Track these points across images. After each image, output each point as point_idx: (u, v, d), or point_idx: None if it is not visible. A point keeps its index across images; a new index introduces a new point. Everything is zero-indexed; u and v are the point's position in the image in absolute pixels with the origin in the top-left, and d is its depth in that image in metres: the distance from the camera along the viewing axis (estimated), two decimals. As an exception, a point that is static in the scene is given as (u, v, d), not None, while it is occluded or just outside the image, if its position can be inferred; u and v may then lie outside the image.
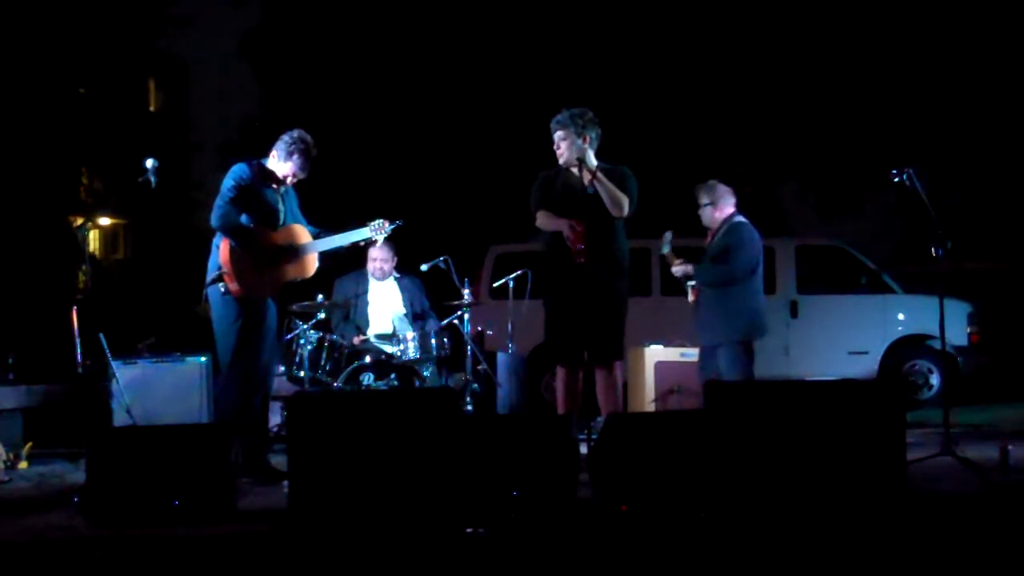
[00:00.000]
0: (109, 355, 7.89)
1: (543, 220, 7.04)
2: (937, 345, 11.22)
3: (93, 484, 5.67)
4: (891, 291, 12.36)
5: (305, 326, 8.42)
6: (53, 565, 4.87)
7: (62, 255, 19.06)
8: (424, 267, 9.30)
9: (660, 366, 8.86)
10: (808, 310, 12.46)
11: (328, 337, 8.24)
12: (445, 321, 9.32)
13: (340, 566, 4.76)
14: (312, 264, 7.28)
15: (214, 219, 6.95)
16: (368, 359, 8.39)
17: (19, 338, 13.17)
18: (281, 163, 7.13)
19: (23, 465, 8.03)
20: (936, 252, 6.97)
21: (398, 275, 9.25)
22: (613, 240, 7.01)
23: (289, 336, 8.35)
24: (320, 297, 8.50)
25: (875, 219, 21.06)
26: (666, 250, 8.12)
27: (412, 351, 8.48)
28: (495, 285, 10.56)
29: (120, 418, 7.95)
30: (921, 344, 12.20)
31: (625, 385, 8.22)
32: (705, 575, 4.50)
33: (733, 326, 7.71)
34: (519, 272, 9.75)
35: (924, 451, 6.66)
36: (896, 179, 6.99)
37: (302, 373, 8.09)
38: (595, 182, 6.90)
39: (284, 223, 7.25)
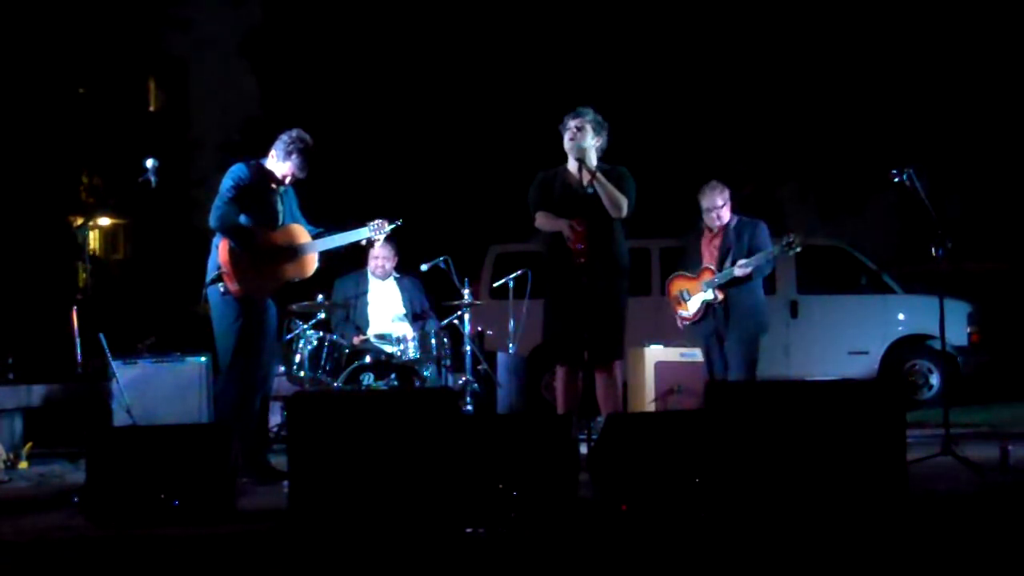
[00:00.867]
0: (109, 355, 7.90)
1: (542, 220, 7.05)
2: (937, 345, 11.23)
3: (93, 484, 5.66)
4: (891, 291, 12.37)
5: (305, 326, 8.43)
6: (53, 565, 4.87)
7: (62, 255, 19.07)
8: (424, 267, 9.31)
9: (660, 366, 8.87)
10: (808, 310, 12.47)
11: (328, 337, 8.24)
12: (445, 321, 9.32)
13: (340, 566, 4.75)
14: (311, 264, 7.28)
15: (213, 219, 6.95)
16: (368, 359, 8.38)
17: (19, 338, 13.18)
18: (280, 163, 7.13)
19: (23, 465, 8.04)
20: (936, 252, 6.98)
21: (398, 275, 9.25)
22: (612, 240, 7.02)
23: (289, 336, 8.36)
24: (320, 297, 8.51)
25: (875, 219, 21.06)
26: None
27: (412, 351, 8.48)
28: (495, 285, 10.57)
29: (120, 418, 7.96)
30: (921, 344, 12.20)
31: (625, 385, 8.22)
32: (705, 575, 4.50)
33: (758, 320, 7.97)
34: (519, 272, 9.76)
35: (924, 451, 6.66)
36: (896, 179, 7.00)
37: (302, 373, 8.09)
38: (594, 182, 6.91)
39: (283, 223, 7.25)
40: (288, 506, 5.51)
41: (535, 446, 5.54)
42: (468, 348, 9.32)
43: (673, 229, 14.02)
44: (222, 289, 6.97)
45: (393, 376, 8.30)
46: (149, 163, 6.82)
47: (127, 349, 8.72)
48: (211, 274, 7.03)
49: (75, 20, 20.78)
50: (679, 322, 8.17)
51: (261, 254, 7.06)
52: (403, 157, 21.12)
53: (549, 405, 10.52)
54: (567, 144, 7.04)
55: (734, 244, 7.94)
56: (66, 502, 6.00)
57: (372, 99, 21.62)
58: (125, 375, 8.14)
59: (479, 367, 9.60)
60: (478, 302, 9.58)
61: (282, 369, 8.24)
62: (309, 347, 8.14)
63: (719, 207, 7.98)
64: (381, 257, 9.10)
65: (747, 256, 7.86)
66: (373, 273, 9.16)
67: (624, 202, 6.97)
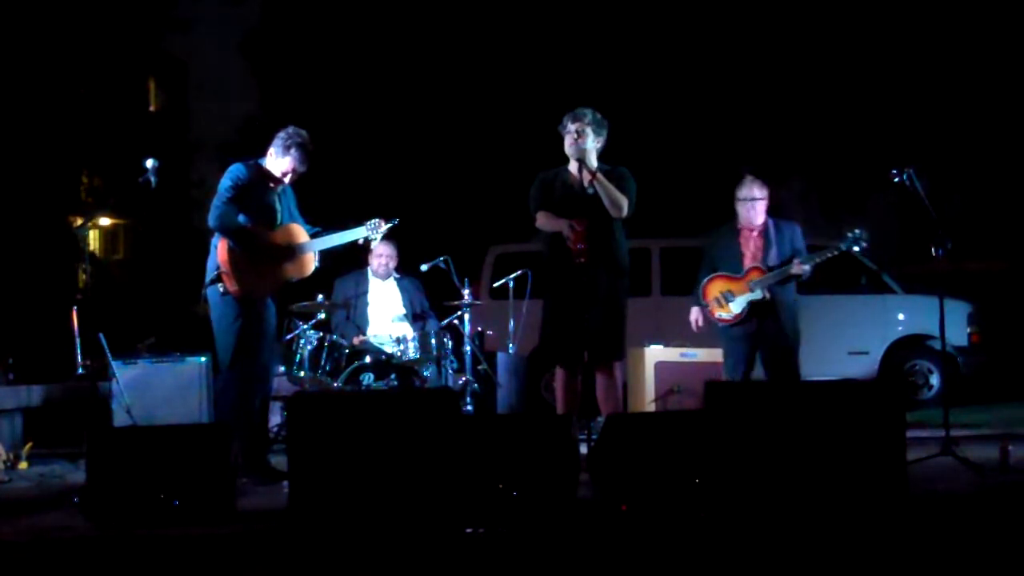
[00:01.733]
0: (109, 355, 7.91)
1: (543, 220, 7.05)
2: (937, 345, 11.22)
3: (93, 484, 5.66)
4: (891, 291, 12.35)
5: (305, 326, 8.43)
6: (53, 565, 4.87)
7: (62, 255, 19.08)
8: (424, 267, 9.32)
9: (660, 366, 8.85)
10: (808, 310, 12.44)
11: (328, 337, 8.24)
12: (445, 321, 9.33)
13: (340, 566, 4.76)
14: (310, 263, 7.28)
15: (212, 219, 6.95)
16: (368, 359, 8.39)
17: (19, 338, 13.18)
18: (279, 159, 7.13)
19: (23, 465, 8.04)
20: (936, 252, 6.98)
21: (398, 275, 9.25)
22: (613, 240, 7.02)
23: (289, 336, 8.36)
24: (320, 297, 8.51)
25: (875, 219, 21.07)
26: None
27: (412, 351, 8.48)
28: (495, 285, 10.57)
29: (120, 418, 7.97)
30: (921, 344, 12.19)
31: (625, 385, 8.21)
32: (705, 575, 4.50)
33: (797, 322, 7.87)
34: (519, 272, 9.76)
35: (924, 451, 6.67)
36: (896, 179, 7.00)
37: (302, 373, 8.10)
38: (595, 183, 6.91)
39: (282, 223, 7.26)
40: (288, 506, 5.51)
41: (535, 446, 5.54)
42: (468, 348, 9.32)
43: (674, 229, 14.07)
44: (221, 289, 6.97)
45: (393, 376, 8.31)
46: (149, 163, 6.83)
47: (127, 349, 8.73)
48: (210, 274, 7.03)
49: (75, 20, 20.78)
50: (717, 323, 7.90)
51: (260, 254, 7.06)
52: (403, 157, 21.12)
53: (549, 405, 10.52)
54: (568, 147, 7.04)
55: (776, 243, 7.77)
56: (66, 502, 6.00)
57: (372, 99, 21.62)
58: (125, 375, 8.16)
59: (479, 367, 9.61)
60: (478, 302, 9.58)
61: (282, 369, 8.25)
62: (309, 347, 8.14)
63: (757, 198, 7.80)
64: (385, 255, 9.11)
65: (789, 256, 7.70)
66: (375, 272, 9.17)
67: (624, 202, 6.97)
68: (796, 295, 7.90)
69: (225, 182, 7.02)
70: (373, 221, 7.37)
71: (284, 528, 5.37)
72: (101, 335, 7.77)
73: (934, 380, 12.22)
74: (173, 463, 5.66)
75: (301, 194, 7.52)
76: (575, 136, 6.99)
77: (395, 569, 4.69)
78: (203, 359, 8.45)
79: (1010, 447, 6.74)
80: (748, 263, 7.82)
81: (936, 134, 19.35)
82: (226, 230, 6.94)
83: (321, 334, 8.26)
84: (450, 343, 8.78)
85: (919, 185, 6.94)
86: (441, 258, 9.35)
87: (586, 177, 6.91)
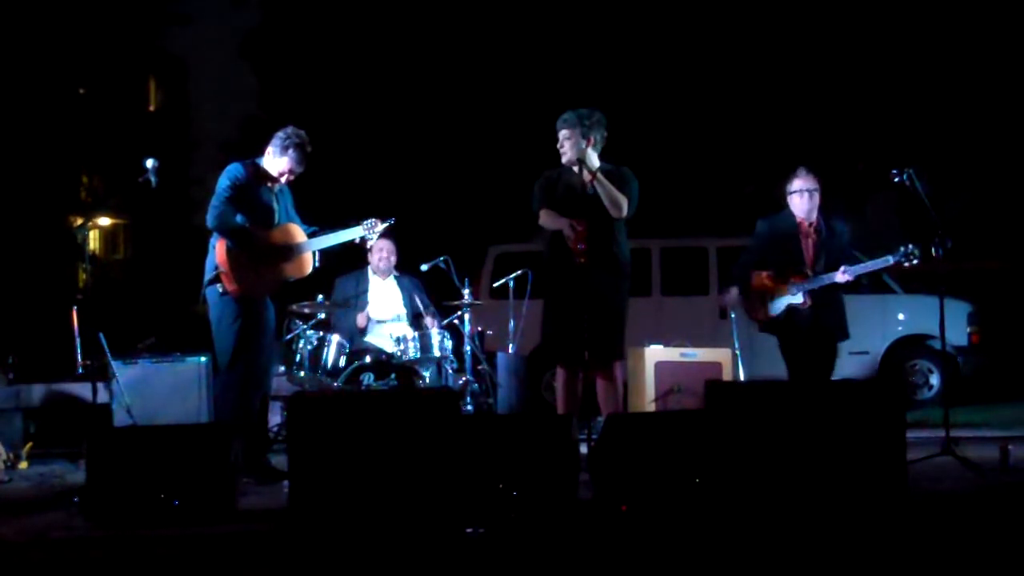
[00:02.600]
0: (109, 355, 7.90)
1: (545, 218, 7.04)
2: (937, 345, 11.22)
3: (93, 484, 5.67)
4: (891, 291, 12.34)
5: (305, 326, 8.42)
6: (54, 565, 4.87)
7: (62, 255, 19.08)
8: (424, 267, 9.31)
9: (660, 366, 8.82)
10: (808, 310, 12.44)
11: (328, 337, 8.24)
12: (445, 321, 9.32)
13: (340, 566, 4.75)
14: (308, 263, 7.28)
15: (210, 219, 6.95)
16: (368, 359, 8.39)
17: (20, 338, 13.17)
18: (277, 159, 7.13)
19: (23, 465, 8.04)
20: (936, 252, 6.97)
21: (397, 274, 9.25)
22: (614, 241, 7.01)
23: (289, 336, 8.35)
24: (320, 297, 8.50)
25: (875, 219, 21.05)
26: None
27: (412, 351, 8.48)
28: (495, 285, 10.56)
29: (120, 418, 7.96)
30: (921, 344, 12.19)
31: (625, 385, 8.20)
32: (705, 575, 4.50)
33: (844, 328, 7.72)
34: (519, 272, 9.75)
35: (924, 451, 6.67)
36: (896, 179, 6.99)
37: (302, 373, 8.09)
38: (595, 183, 6.91)
39: (279, 222, 7.26)
40: (288, 506, 5.51)
41: (535, 446, 5.55)
42: (468, 348, 9.32)
43: (674, 229, 14.07)
44: (220, 289, 6.97)
45: (393, 376, 8.31)
46: (149, 163, 6.82)
47: (127, 349, 8.72)
48: (209, 274, 7.04)
49: (75, 20, 20.77)
50: (751, 319, 7.76)
51: (259, 253, 7.06)
52: (403, 157, 21.12)
53: (549, 405, 10.51)
54: (564, 161, 7.08)
55: (826, 247, 7.53)
56: (67, 502, 5.99)
57: (372, 99, 21.62)
58: (125, 375, 8.14)
59: (479, 367, 9.60)
60: (478, 302, 9.58)
61: (282, 369, 8.24)
62: (309, 347, 8.14)
63: (814, 188, 7.55)
64: (386, 250, 9.12)
65: (836, 261, 7.48)
66: (376, 269, 9.17)
67: (624, 203, 6.97)
68: (842, 301, 7.68)
69: (223, 182, 7.02)
70: (369, 220, 7.38)
71: (284, 528, 5.37)
72: (101, 335, 7.76)
73: (934, 380, 12.22)
74: (173, 463, 5.67)
75: (301, 194, 7.52)
76: (562, 144, 7.04)
77: (395, 569, 4.69)
78: (203, 359, 8.43)
79: (1010, 447, 6.75)
80: (798, 264, 7.55)
81: (935, 134, 19.34)
82: (224, 230, 6.95)
83: (321, 334, 8.25)
84: (450, 343, 8.79)
85: (919, 185, 6.94)
86: (441, 258, 9.34)
87: (587, 177, 6.92)
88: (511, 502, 5.40)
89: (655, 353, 8.89)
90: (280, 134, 7.15)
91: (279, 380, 8.32)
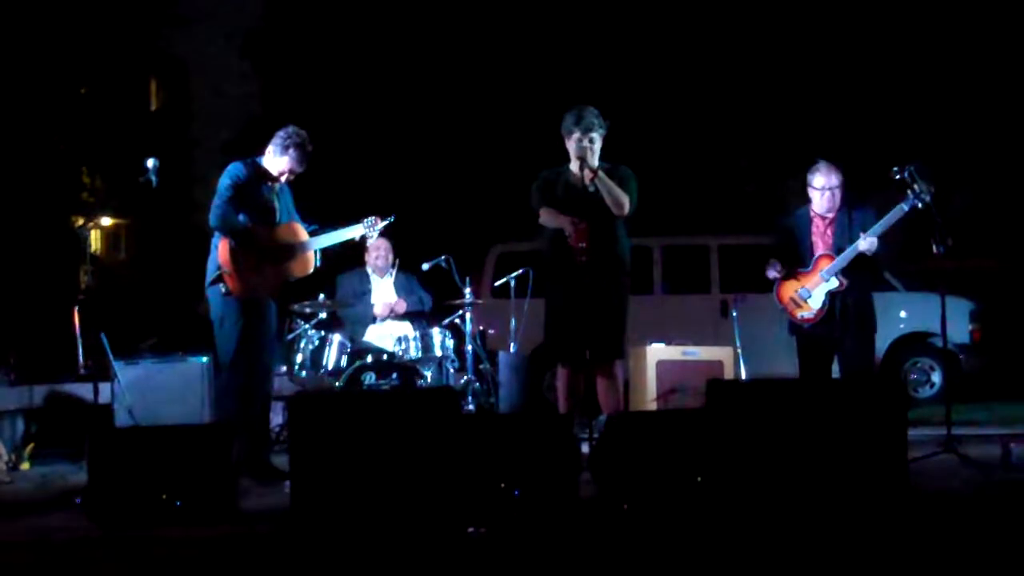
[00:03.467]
0: (111, 355, 7.91)
1: (546, 216, 7.01)
2: (939, 343, 11.22)
3: (95, 485, 5.67)
4: (893, 289, 12.33)
5: (306, 325, 8.43)
6: (56, 566, 4.87)
7: (64, 255, 19.08)
8: (425, 266, 9.33)
9: (662, 365, 8.84)
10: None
11: (329, 336, 8.24)
12: (447, 321, 9.33)
13: (342, 566, 4.76)
14: (310, 262, 7.29)
15: (212, 219, 6.96)
16: (369, 359, 8.39)
17: (21, 338, 13.18)
18: (277, 158, 7.14)
19: (25, 466, 8.06)
20: (937, 249, 6.93)
21: (395, 271, 9.28)
22: (614, 239, 7.00)
23: (290, 336, 8.36)
24: (321, 297, 8.51)
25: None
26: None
27: (414, 350, 8.49)
28: (496, 284, 10.55)
29: (122, 418, 7.97)
30: (923, 342, 12.19)
31: (627, 384, 8.20)
32: (707, 574, 4.50)
33: (874, 319, 7.43)
34: (520, 271, 9.74)
35: (926, 449, 6.67)
36: (898, 176, 6.97)
37: (304, 373, 8.10)
38: (596, 181, 6.91)
39: (280, 221, 7.26)
40: (290, 507, 5.51)
41: (536, 446, 5.54)
42: (470, 347, 9.33)
43: (675, 227, 14.06)
44: (223, 289, 6.97)
45: (395, 375, 8.31)
46: (150, 163, 6.84)
47: (129, 349, 8.73)
48: (211, 274, 7.04)
49: (75, 20, 20.76)
50: (802, 325, 7.35)
51: (261, 253, 7.06)
52: (404, 155, 21.10)
53: (551, 405, 10.50)
54: (575, 149, 7.01)
55: (848, 229, 7.25)
56: (68, 503, 6.00)
57: (373, 98, 21.61)
58: (126, 375, 8.16)
59: (480, 366, 9.61)
60: (479, 301, 9.58)
61: (283, 369, 8.25)
62: (311, 347, 8.15)
63: (836, 186, 7.32)
64: (382, 248, 9.15)
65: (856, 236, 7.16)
66: (373, 267, 9.19)
67: (626, 201, 6.95)
68: (871, 294, 7.39)
69: (224, 181, 7.03)
70: (370, 218, 7.40)
71: (286, 529, 5.37)
72: (103, 335, 7.77)
73: (936, 378, 12.22)
74: (175, 464, 5.67)
75: (303, 192, 7.52)
76: (586, 144, 6.94)
77: (397, 569, 4.69)
78: (204, 359, 8.44)
79: (1012, 445, 6.74)
80: (819, 252, 7.33)
81: (937, 131, 19.31)
82: (227, 229, 6.95)
83: (323, 333, 8.27)
84: (452, 342, 8.80)
85: (921, 183, 6.92)
86: (442, 257, 9.35)
87: (587, 175, 6.91)
88: (513, 501, 5.40)
89: (656, 352, 8.90)
90: (281, 133, 7.16)
91: (281, 380, 8.32)
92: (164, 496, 5.59)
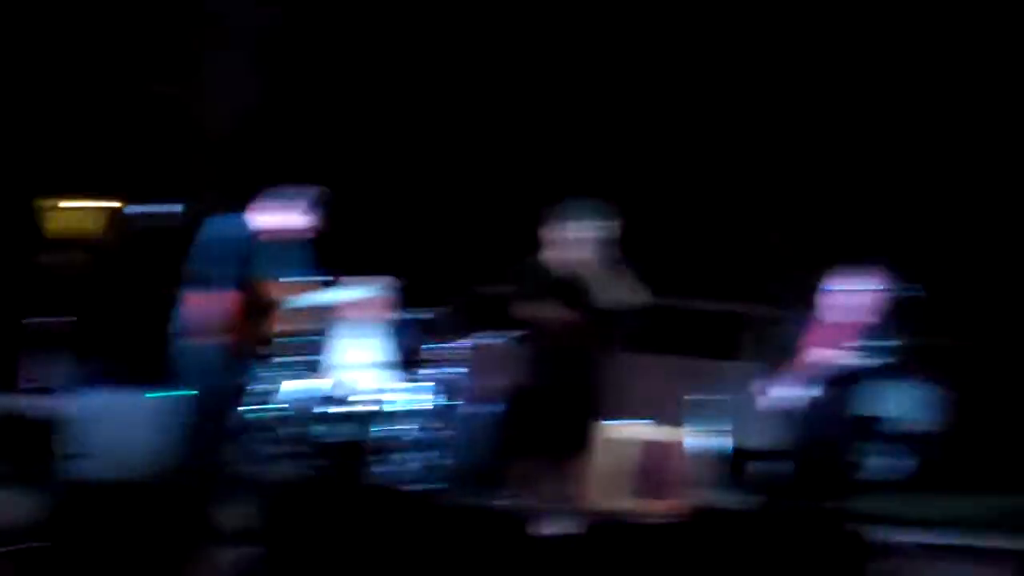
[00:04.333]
0: (67, 381, 7.73)
1: (528, 307, 6.90)
2: (892, 428, 11.14)
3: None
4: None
5: (270, 373, 8.37)
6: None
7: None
8: (401, 315, 9.22)
9: (613, 443, 8.38)
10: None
11: (292, 386, 8.20)
12: (414, 372, 9.22)
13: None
14: (298, 317, 7.30)
15: (200, 272, 6.95)
16: (329, 408, 8.35)
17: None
18: (276, 215, 7.16)
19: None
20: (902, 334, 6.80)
21: (370, 319, 9.21)
22: (604, 327, 6.89)
23: (255, 386, 8.31)
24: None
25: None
26: None
27: (378, 402, 8.46)
28: (473, 335, 10.32)
29: (73, 450, 7.77)
30: (880, 427, 12.12)
31: (597, 469, 7.90)
32: None
33: None
34: (493, 331, 9.60)
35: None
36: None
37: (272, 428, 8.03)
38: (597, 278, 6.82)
39: (268, 275, 7.25)
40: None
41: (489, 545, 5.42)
42: (433, 400, 9.14)
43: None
44: (203, 341, 6.94)
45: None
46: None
47: (88, 378, 8.55)
48: (185, 325, 7.00)
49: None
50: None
51: (246, 307, 7.06)
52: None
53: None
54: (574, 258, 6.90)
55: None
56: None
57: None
58: (82, 404, 7.96)
59: (435, 426, 9.30)
60: (456, 348, 9.49)
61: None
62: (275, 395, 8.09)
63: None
64: (360, 306, 9.10)
65: None
66: (344, 319, 9.17)
67: (626, 296, 6.89)
68: None
69: (213, 232, 7.02)
70: (366, 284, 7.43)
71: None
72: (60, 356, 7.65)
73: (892, 464, 12.09)
74: (130, 521, 5.59)
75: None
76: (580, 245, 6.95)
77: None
78: (168, 394, 8.33)
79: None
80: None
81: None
82: (213, 282, 6.94)
83: (288, 379, 8.19)
84: (419, 394, 8.72)
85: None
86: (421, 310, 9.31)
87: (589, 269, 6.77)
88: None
89: (611, 430, 8.35)
90: (284, 191, 7.18)
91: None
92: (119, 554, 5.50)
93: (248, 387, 7.56)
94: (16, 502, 7.14)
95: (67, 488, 6.38)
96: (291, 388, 8.24)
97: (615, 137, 17.38)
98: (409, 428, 8.65)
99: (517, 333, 9.42)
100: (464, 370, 10.71)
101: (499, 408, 9.72)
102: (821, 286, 7.38)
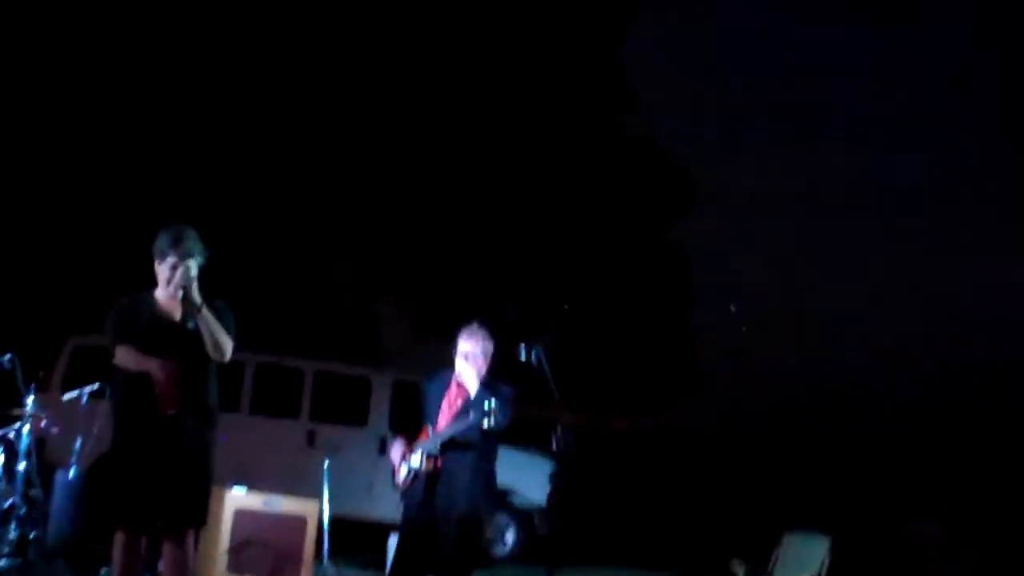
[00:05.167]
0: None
1: (125, 356, 5.94)
2: (519, 501, 11.10)
3: None
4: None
5: None
6: None
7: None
8: None
9: (240, 514, 8.07)
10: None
11: None
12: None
13: None
14: None
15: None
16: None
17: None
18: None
19: None
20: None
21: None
22: (208, 387, 6.07)
23: None
24: None
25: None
26: None
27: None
28: (65, 398, 9.18)
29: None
30: (503, 499, 12.03)
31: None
32: None
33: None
34: (95, 386, 8.70)
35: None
36: (523, 357, 6.55)
37: None
38: (199, 317, 6.02)
39: None
40: None
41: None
42: (23, 465, 8.21)
43: (270, 343, 13.35)
44: None
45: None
46: None
47: None
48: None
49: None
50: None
51: None
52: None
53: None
54: (176, 276, 5.96)
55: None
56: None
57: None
58: None
59: (31, 491, 8.40)
60: (41, 415, 8.50)
61: None
62: None
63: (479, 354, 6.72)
64: None
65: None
66: None
67: (229, 345, 6.03)
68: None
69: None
70: None
71: None
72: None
73: (509, 537, 12.02)
74: None
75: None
76: (179, 268, 5.94)
77: None
78: None
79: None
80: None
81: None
82: None
83: None
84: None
85: (546, 366, 6.53)
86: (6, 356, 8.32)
87: (186, 309, 6.01)
88: None
89: (236, 499, 8.17)
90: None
91: None
92: None
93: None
94: None
95: None
96: None
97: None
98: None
99: (96, 387, 8.66)
100: (56, 429, 9.76)
101: (83, 475, 8.85)
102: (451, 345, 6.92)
